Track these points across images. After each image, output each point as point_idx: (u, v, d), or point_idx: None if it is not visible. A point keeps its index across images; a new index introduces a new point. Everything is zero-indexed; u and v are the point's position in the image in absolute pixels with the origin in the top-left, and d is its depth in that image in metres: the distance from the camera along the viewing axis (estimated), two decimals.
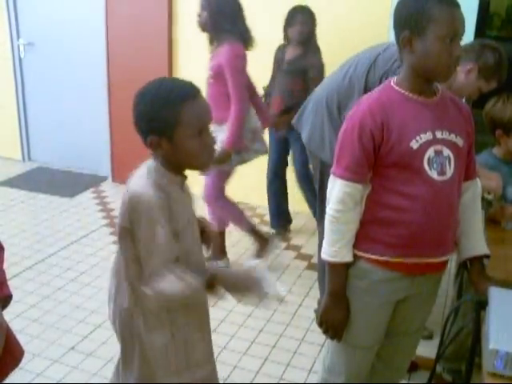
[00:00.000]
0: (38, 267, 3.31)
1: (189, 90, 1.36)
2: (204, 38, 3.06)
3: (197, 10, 3.00)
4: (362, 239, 1.58)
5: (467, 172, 1.62)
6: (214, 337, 1.61)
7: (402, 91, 1.52)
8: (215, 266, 3.31)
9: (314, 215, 3.66)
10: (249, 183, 4.18)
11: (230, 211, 3.25)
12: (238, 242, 3.62)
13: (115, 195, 4.44)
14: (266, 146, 3.21)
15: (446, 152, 1.51)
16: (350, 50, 2.52)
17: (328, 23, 3.68)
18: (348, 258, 1.58)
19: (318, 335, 2.57)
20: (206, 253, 1.61)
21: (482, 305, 1.50)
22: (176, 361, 1.47)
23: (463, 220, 1.64)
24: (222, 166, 2.94)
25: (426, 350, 2.38)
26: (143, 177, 1.36)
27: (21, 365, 1.49)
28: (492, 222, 2.07)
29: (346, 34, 3.69)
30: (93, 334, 2.69)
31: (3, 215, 4.03)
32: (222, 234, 3.34)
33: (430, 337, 2.62)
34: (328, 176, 1.60)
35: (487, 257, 1.67)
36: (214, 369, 1.60)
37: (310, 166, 3.49)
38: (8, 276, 1.47)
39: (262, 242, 3.30)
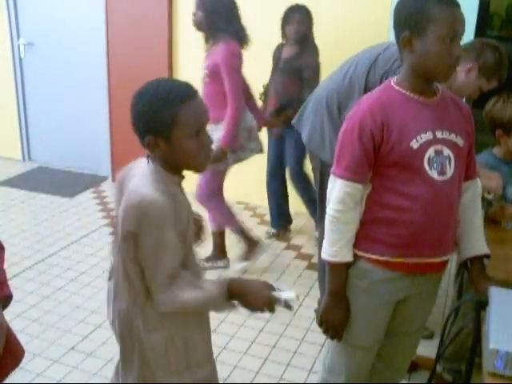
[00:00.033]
0: (38, 267, 3.31)
1: (186, 91, 1.36)
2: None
3: (192, 10, 3.01)
4: (362, 239, 1.58)
5: (467, 172, 1.62)
6: (213, 337, 1.61)
7: (403, 91, 1.52)
8: (215, 266, 3.32)
9: (311, 214, 3.68)
10: (249, 183, 4.19)
11: (222, 211, 3.24)
12: (238, 243, 3.61)
13: None
14: (261, 144, 3.21)
15: (447, 152, 1.51)
16: (349, 49, 2.52)
17: (328, 23, 3.69)
18: (348, 257, 1.58)
19: (318, 335, 2.57)
20: (198, 246, 1.63)
21: (482, 305, 1.50)
22: (176, 361, 1.47)
23: (463, 220, 1.64)
24: (218, 164, 2.94)
25: (426, 349, 2.38)
26: (148, 180, 1.36)
27: (21, 365, 1.49)
28: (492, 221, 2.07)
29: (346, 34, 3.69)
30: (93, 334, 2.69)
31: (3, 215, 4.03)
32: (221, 234, 3.34)
33: (430, 337, 2.62)
34: (328, 176, 1.60)
35: (487, 257, 1.67)
36: (214, 369, 1.60)
37: (309, 166, 3.51)
38: (8, 276, 1.47)
39: (251, 245, 3.31)
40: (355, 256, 1.59)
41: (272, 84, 3.57)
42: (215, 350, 1.63)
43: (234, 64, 2.94)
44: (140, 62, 4.35)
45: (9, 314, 1.39)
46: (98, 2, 4.41)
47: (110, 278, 1.56)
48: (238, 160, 3.12)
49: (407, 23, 1.45)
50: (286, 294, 1.42)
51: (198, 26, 3.00)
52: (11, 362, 1.42)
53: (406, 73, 1.52)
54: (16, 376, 1.62)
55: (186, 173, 1.46)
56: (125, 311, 1.45)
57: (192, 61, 4.10)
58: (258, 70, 3.59)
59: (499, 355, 1.24)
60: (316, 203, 3.59)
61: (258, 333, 2.76)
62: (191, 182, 1.49)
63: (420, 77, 1.50)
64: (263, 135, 3.60)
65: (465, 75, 2.25)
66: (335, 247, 1.57)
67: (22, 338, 1.56)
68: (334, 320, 1.64)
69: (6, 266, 1.46)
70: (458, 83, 2.25)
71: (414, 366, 2.39)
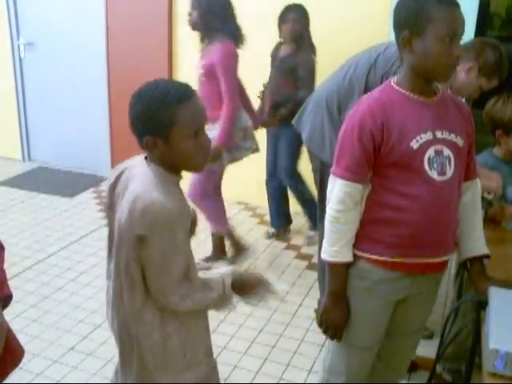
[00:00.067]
0: (38, 267, 3.31)
1: (185, 92, 1.37)
2: None
3: (187, 10, 3.02)
4: (362, 239, 1.58)
5: (467, 172, 1.62)
6: (213, 337, 1.61)
7: (403, 91, 1.52)
8: (215, 266, 3.32)
9: (304, 214, 3.68)
10: (249, 183, 4.19)
11: (214, 212, 3.23)
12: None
13: None
14: (257, 144, 3.21)
15: (447, 152, 1.51)
16: (349, 49, 2.53)
17: (328, 22, 3.69)
18: (348, 257, 1.58)
19: (318, 335, 2.57)
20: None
21: (482, 305, 1.50)
22: (175, 361, 1.47)
23: (463, 220, 1.64)
24: (213, 164, 2.94)
25: (426, 349, 2.38)
26: (153, 182, 1.35)
27: (21, 365, 1.49)
28: (492, 221, 2.07)
29: (346, 34, 3.69)
30: (93, 334, 2.69)
31: (3, 215, 4.03)
32: (231, 233, 3.34)
33: (430, 337, 2.62)
34: (328, 176, 1.60)
35: (487, 257, 1.67)
36: (214, 366, 1.60)
37: (303, 166, 3.51)
38: (8, 276, 1.47)
39: (238, 249, 3.31)
40: (355, 256, 1.59)
41: (269, 83, 3.59)
42: (215, 350, 1.63)
43: (230, 64, 2.95)
44: (140, 62, 4.35)
45: (9, 314, 1.39)
46: (98, 2, 4.41)
47: (108, 278, 1.56)
48: (233, 160, 3.12)
49: (407, 23, 1.45)
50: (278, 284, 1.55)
51: (194, 25, 3.01)
52: (11, 362, 1.42)
53: (406, 73, 1.52)
54: (16, 376, 1.62)
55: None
56: (124, 312, 1.45)
57: (192, 61, 4.10)
58: (257, 69, 3.60)
59: (499, 355, 1.24)
60: (309, 203, 3.62)
61: (258, 333, 2.76)
62: (184, 180, 1.49)
63: (420, 77, 1.50)
64: (263, 135, 3.61)
65: (465, 75, 2.25)
66: (335, 247, 1.57)
67: (22, 338, 1.56)
68: (334, 320, 1.64)
69: (5, 265, 1.46)
70: (458, 83, 2.25)
71: (414, 366, 2.39)
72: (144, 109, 1.35)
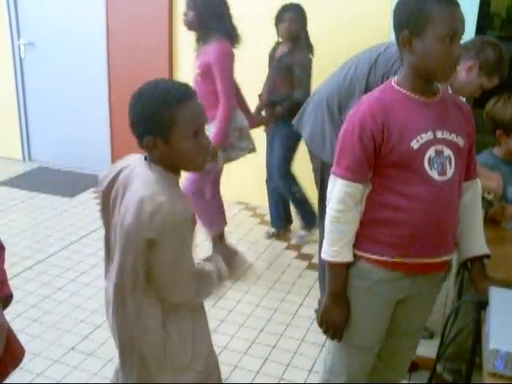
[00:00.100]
0: (39, 267, 3.31)
1: (185, 92, 1.37)
2: None
3: (183, 10, 3.02)
4: (362, 239, 1.58)
5: (468, 172, 1.62)
6: (213, 337, 1.61)
7: (403, 91, 1.52)
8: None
9: (298, 213, 3.69)
10: (249, 183, 4.19)
11: (204, 212, 3.20)
12: (238, 242, 3.62)
13: None
14: (253, 143, 3.20)
15: (447, 152, 1.51)
16: (349, 49, 2.53)
17: (328, 22, 3.69)
18: (348, 257, 1.58)
19: (318, 335, 2.57)
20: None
21: (482, 305, 1.50)
22: (175, 360, 1.47)
23: (463, 220, 1.64)
24: (208, 163, 2.94)
25: (427, 349, 2.38)
26: (157, 184, 1.35)
27: (21, 365, 1.49)
28: (492, 221, 2.07)
29: (346, 34, 3.69)
30: (93, 334, 2.69)
31: (3, 215, 4.03)
32: (221, 235, 3.33)
33: (430, 337, 2.62)
34: (329, 176, 1.60)
35: (487, 257, 1.67)
36: (215, 366, 1.60)
37: (297, 165, 3.52)
38: (8, 276, 1.47)
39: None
40: (355, 256, 1.59)
41: (266, 82, 3.59)
42: (215, 350, 1.63)
43: (227, 63, 2.95)
44: (140, 62, 4.35)
45: (9, 313, 1.40)
46: (99, 2, 4.42)
47: (106, 278, 1.56)
48: (229, 159, 3.12)
49: (407, 23, 1.45)
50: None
51: (190, 25, 3.01)
52: (11, 361, 1.42)
53: (407, 73, 1.52)
54: (16, 376, 1.62)
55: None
56: (124, 313, 1.45)
57: (192, 61, 4.12)
58: (256, 70, 3.61)
59: (499, 355, 1.24)
60: (302, 203, 3.62)
61: (258, 333, 2.76)
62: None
63: (420, 77, 1.50)
64: (261, 135, 3.61)
65: (466, 74, 2.25)
66: (335, 247, 1.57)
67: (22, 338, 1.56)
68: (335, 320, 1.64)
69: (6, 265, 1.46)
70: (458, 82, 2.24)
71: (415, 366, 2.39)
72: (144, 109, 1.35)
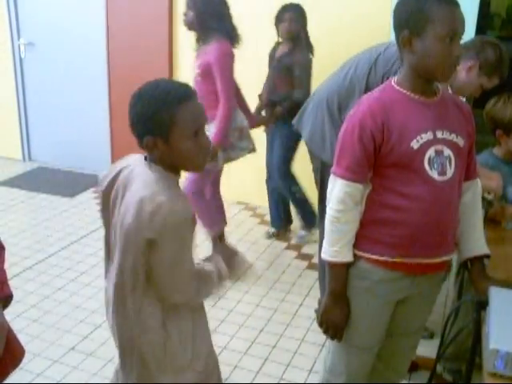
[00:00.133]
0: (38, 267, 3.31)
1: (185, 92, 1.37)
2: None
3: (183, 10, 3.02)
4: (362, 239, 1.58)
5: (468, 172, 1.62)
6: (213, 337, 1.61)
7: (403, 91, 1.52)
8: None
9: (297, 213, 3.69)
10: (249, 183, 4.19)
11: (203, 212, 3.20)
12: (238, 242, 3.62)
13: None
14: (253, 143, 3.20)
15: (447, 152, 1.51)
16: (346, 48, 2.53)
17: (328, 22, 3.69)
18: (348, 257, 1.58)
19: (318, 335, 2.57)
20: None
21: (482, 305, 1.50)
22: (175, 360, 1.47)
23: (463, 220, 1.64)
24: (208, 163, 2.94)
25: (426, 349, 2.38)
26: (158, 184, 1.35)
27: (21, 365, 1.49)
28: (492, 221, 2.07)
29: (346, 33, 3.69)
30: (93, 334, 2.69)
31: (3, 215, 4.03)
32: (221, 235, 3.33)
33: (430, 337, 2.62)
34: (329, 176, 1.60)
35: (487, 257, 1.67)
36: (215, 366, 1.60)
37: (296, 166, 3.51)
38: (8, 276, 1.47)
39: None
40: (355, 256, 1.59)
41: (266, 82, 3.59)
42: (215, 350, 1.63)
43: (227, 63, 2.95)
44: (140, 62, 4.35)
45: (9, 314, 1.40)
46: (99, 2, 4.42)
47: (106, 278, 1.56)
48: (229, 159, 3.12)
49: (407, 23, 1.45)
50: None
51: (190, 25, 3.02)
52: (11, 362, 1.42)
53: (407, 73, 1.52)
54: (16, 376, 1.62)
55: None
56: (124, 313, 1.45)
57: (192, 61, 4.12)
58: (256, 70, 3.60)
59: (499, 355, 1.24)
60: (302, 203, 3.62)
61: (258, 333, 2.76)
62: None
63: (420, 77, 1.50)
64: (261, 135, 3.61)
65: (466, 74, 2.25)
66: (335, 247, 1.57)
67: (22, 338, 1.56)
68: (335, 320, 1.64)
69: (6, 265, 1.46)
70: (458, 82, 2.24)
71: (414, 366, 2.39)
72: (144, 109, 1.35)
